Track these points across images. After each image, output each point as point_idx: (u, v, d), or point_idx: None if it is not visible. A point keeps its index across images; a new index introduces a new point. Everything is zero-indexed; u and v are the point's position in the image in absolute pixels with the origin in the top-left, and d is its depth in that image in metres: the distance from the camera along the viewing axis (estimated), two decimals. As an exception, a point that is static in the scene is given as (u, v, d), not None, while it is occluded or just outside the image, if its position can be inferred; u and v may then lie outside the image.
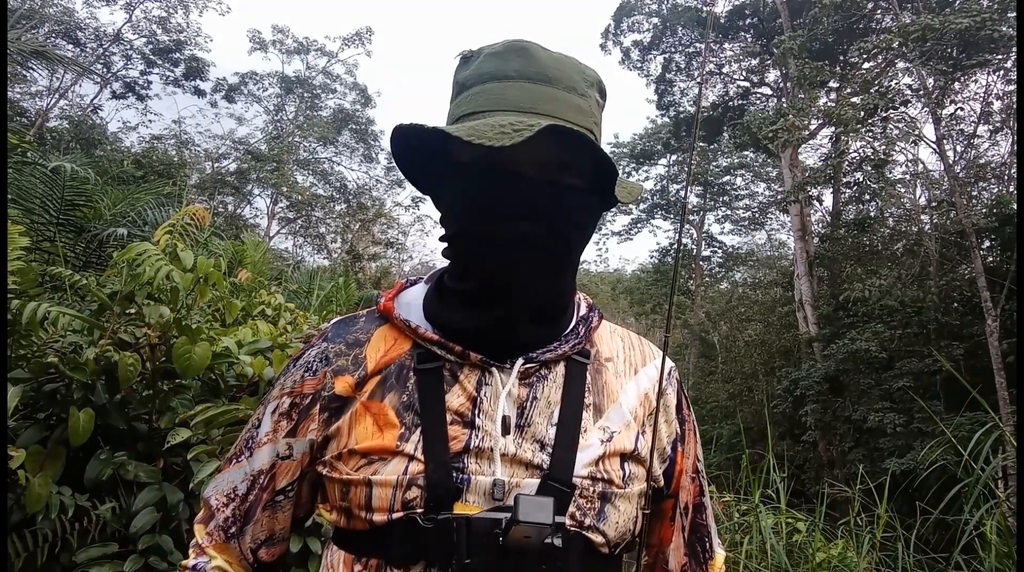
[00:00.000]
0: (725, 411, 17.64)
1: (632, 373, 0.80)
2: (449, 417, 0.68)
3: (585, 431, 0.71)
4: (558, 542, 0.61)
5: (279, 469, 0.74)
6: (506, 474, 0.66)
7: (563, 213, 0.68)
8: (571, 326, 0.77)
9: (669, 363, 0.81)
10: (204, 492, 0.79)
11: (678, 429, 0.82)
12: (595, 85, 0.72)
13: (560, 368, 0.74)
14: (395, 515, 0.65)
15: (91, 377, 1.69)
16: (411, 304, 0.78)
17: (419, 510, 0.64)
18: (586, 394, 0.74)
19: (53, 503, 1.55)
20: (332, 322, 0.81)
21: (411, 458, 0.66)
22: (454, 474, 0.65)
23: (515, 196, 0.66)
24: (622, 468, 0.72)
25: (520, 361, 0.70)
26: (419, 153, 0.73)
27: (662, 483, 0.80)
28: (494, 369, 0.70)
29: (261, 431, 0.76)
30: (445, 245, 0.75)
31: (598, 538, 0.68)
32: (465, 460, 0.66)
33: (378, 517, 0.66)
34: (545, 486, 0.66)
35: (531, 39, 0.71)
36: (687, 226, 26.12)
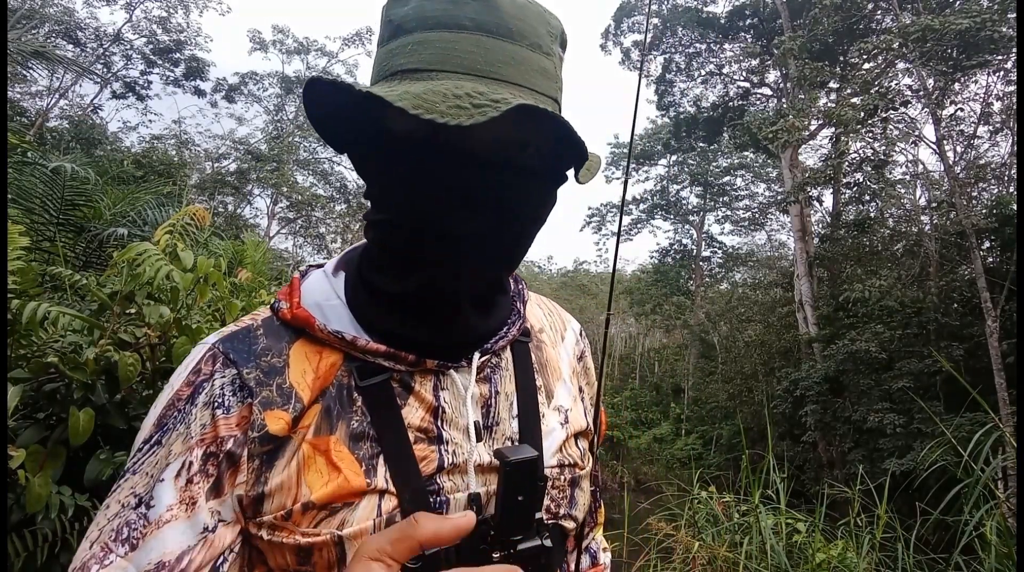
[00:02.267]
0: (725, 411, 17.66)
1: (560, 340, 0.76)
2: (412, 436, 0.58)
3: (543, 416, 0.66)
4: (548, 542, 0.58)
5: (213, 544, 0.54)
6: (480, 484, 0.59)
7: (517, 202, 0.56)
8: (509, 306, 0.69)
9: (578, 325, 0.81)
10: None
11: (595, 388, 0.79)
12: (558, 38, 0.60)
13: (507, 353, 0.67)
14: None
15: (91, 377, 1.69)
16: (325, 306, 0.62)
17: None
18: (535, 376, 0.68)
19: (53, 503, 1.55)
20: (215, 340, 0.60)
21: (382, 493, 0.56)
22: (431, 499, 0.57)
23: (460, 182, 0.53)
24: (578, 446, 0.69)
25: (477, 356, 0.62)
26: (344, 114, 0.59)
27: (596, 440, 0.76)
28: (451, 370, 0.61)
29: (157, 508, 0.53)
30: (368, 227, 0.62)
31: (570, 524, 0.66)
32: (440, 480, 0.58)
33: None
34: None
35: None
36: (687, 226, 26.13)
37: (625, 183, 0.77)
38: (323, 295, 0.63)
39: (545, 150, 0.57)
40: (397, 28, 0.56)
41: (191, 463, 0.54)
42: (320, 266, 0.68)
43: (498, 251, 0.58)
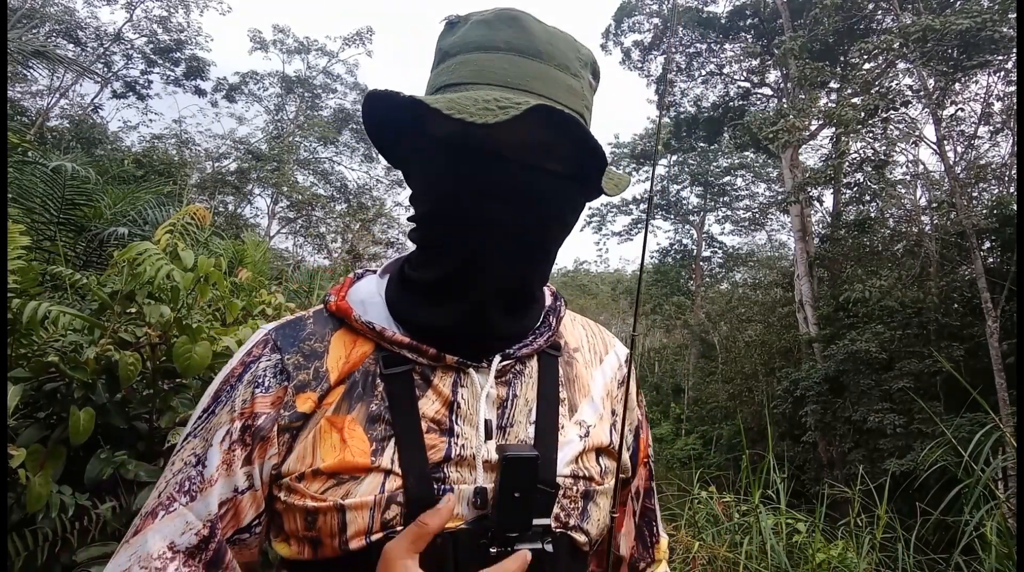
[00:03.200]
0: (725, 411, 17.65)
1: (597, 362, 0.78)
2: (424, 425, 0.62)
3: (562, 428, 0.68)
4: (549, 547, 0.60)
5: (240, 505, 0.62)
6: (487, 480, 0.62)
7: (541, 199, 0.61)
8: (541, 318, 0.73)
9: (625, 350, 0.84)
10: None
11: (639, 417, 0.82)
12: (589, 65, 0.66)
13: (534, 363, 0.70)
14: (374, 537, 0.59)
15: (91, 376, 1.69)
16: (367, 302, 0.70)
17: (399, 529, 0.58)
18: (560, 389, 0.70)
19: (53, 502, 1.55)
20: (271, 327, 0.69)
21: (387, 473, 0.60)
22: (435, 486, 0.60)
23: (490, 177, 0.59)
24: (598, 463, 0.70)
25: (497, 359, 0.66)
26: (393, 124, 0.67)
27: (631, 472, 0.79)
28: (470, 370, 0.65)
29: (209, 468, 0.62)
30: (413, 226, 0.68)
31: (582, 537, 0.67)
32: (446, 470, 0.61)
33: (355, 543, 0.59)
34: None
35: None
36: (688, 226, 26.12)
37: (649, 204, 0.75)
38: (368, 293, 0.71)
39: (568, 157, 0.62)
40: (444, 54, 0.64)
41: (232, 432, 0.62)
42: (375, 271, 0.77)
43: (525, 244, 0.63)
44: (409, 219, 0.68)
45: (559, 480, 0.65)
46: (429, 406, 0.63)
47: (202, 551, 0.60)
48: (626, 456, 0.76)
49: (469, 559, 0.59)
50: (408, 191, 0.69)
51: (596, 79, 0.68)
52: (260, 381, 0.64)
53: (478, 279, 0.62)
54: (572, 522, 0.66)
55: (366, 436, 0.62)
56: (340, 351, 0.66)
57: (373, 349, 0.66)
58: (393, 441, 0.61)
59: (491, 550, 0.59)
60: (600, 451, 0.71)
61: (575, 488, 0.66)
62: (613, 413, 0.75)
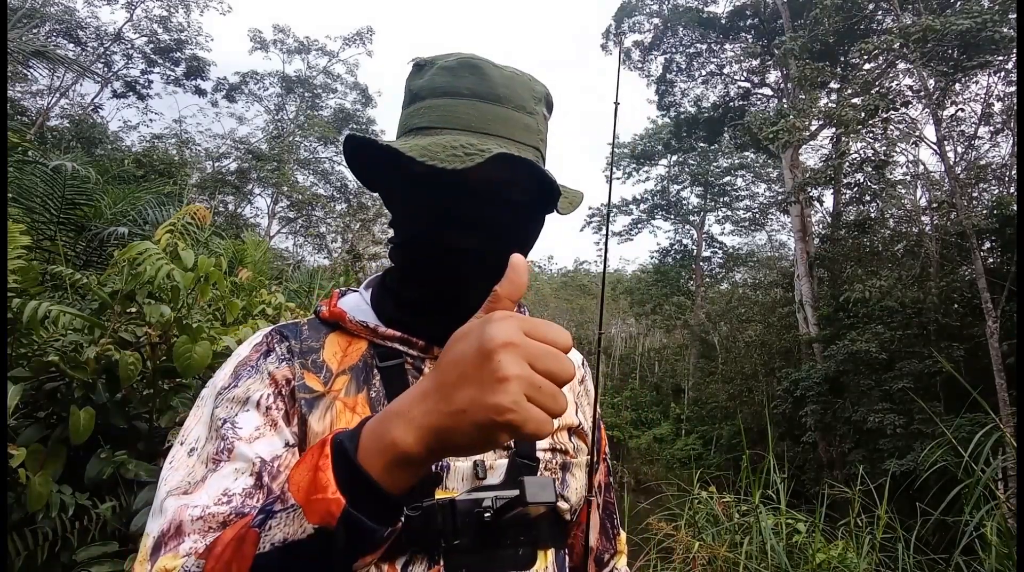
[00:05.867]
0: (725, 411, 17.66)
1: None
2: None
3: None
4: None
5: (293, 455, 0.66)
6: (480, 455, 0.69)
7: (506, 226, 0.71)
8: None
9: (580, 356, 0.93)
10: (150, 526, 0.61)
11: (598, 411, 0.89)
12: (543, 100, 0.76)
13: None
14: None
15: (92, 376, 1.69)
16: (355, 309, 0.78)
17: None
18: None
19: (53, 501, 1.55)
20: (276, 326, 0.77)
21: None
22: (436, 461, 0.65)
23: (461, 208, 0.68)
24: (571, 440, 0.80)
25: None
26: (373, 161, 0.76)
27: (594, 457, 0.86)
28: None
29: (244, 429, 0.65)
30: (392, 248, 0.78)
31: (564, 505, 0.74)
32: None
33: None
34: (513, 462, 0.71)
35: (486, 56, 0.74)
36: (688, 226, 26.12)
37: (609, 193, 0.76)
38: (356, 303, 0.80)
39: (528, 187, 0.71)
40: (414, 96, 0.73)
41: (268, 395, 0.68)
42: (357, 290, 0.85)
43: (493, 265, 0.66)
44: (390, 241, 0.78)
45: (539, 454, 0.74)
46: None
47: (258, 490, 0.61)
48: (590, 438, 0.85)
49: (465, 526, 0.65)
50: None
51: (550, 110, 0.79)
52: (278, 359, 0.71)
53: (455, 298, 0.71)
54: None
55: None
56: (334, 348, 0.74)
57: (367, 346, 0.74)
58: None
59: (485, 516, 0.65)
60: (571, 430, 0.81)
61: (554, 460, 0.75)
62: (577, 405, 0.85)
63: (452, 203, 0.69)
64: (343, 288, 0.85)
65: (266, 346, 0.73)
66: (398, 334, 0.73)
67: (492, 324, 0.46)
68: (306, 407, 0.69)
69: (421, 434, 0.46)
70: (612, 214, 25.77)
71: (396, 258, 0.77)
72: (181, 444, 0.67)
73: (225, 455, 0.63)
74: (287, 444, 0.66)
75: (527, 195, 0.72)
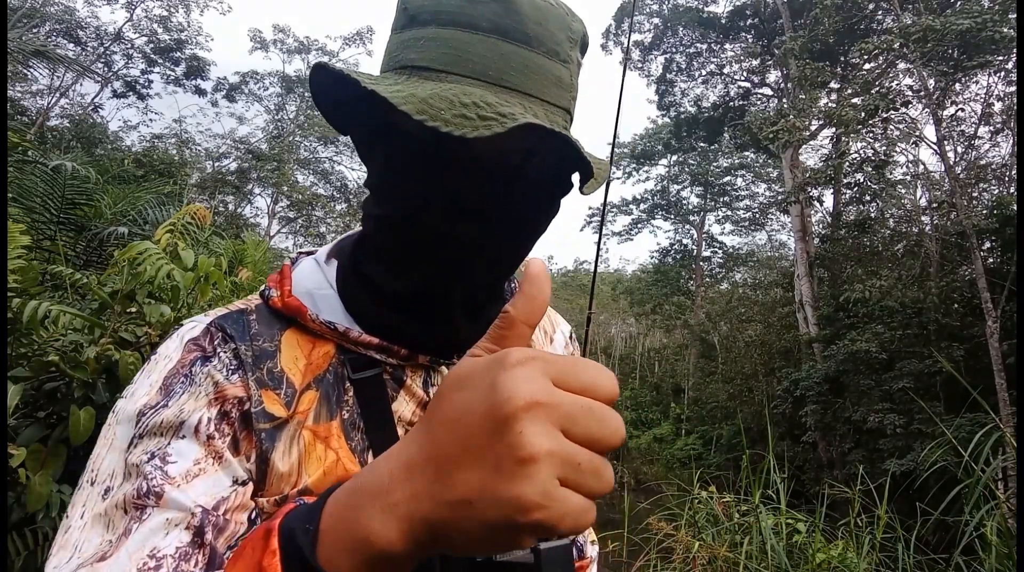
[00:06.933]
0: (725, 411, 17.65)
1: (548, 342, 0.79)
2: (401, 430, 0.58)
3: None
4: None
5: (242, 497, 0.52)
6: None
7: (517, 214, 0.56)
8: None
9: (568, 327, 0.83)
10: None
11: None
12: (578, 42, 0.58)
13: None
14: None
15: (92, 376, 1.69)
16: (317, 294, 0.61)
17: None
18: None
19: (54, 501, 1.55)
20: (213, 318, 0.58)
21: None
22: None
23: (468, 191, 0.53)
24: None
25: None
26: (349, 102, 0.58)
27: None
28: (442, 367, 0.62)
29: (178, 465, 0.49)
30: (368, 218, 0.61)
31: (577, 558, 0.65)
32: None
33: None
34: None
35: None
36: (688, 226, 26.11)
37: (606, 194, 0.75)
38: (315, 283, 0.62)
39: (549, 160, 0.56)
40: (411, 19, 0.55)
41: (209, 419, 0.52)
42: (311, 253, 0.67)
43: (496, 258, 0.58)
44: (363, 207, 0.61)
45: None
46: (405, 408, 0.60)
47: (198, 548, 0.47)
48: None
49: (456, 565, 0.54)
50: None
51: (584, 52, 0.61)
52: (225, 368, 0.55)
53: (447, 291, 0.57)
54: None
55: (348, 446, 0.56)
56: (294, 351, 0.58)
57: (335, 349, 0.59)
58: (371, 453, 0.57)
59: (477, 558, 0.53)
60: None
61: None
62: None
63: (451, 179, 0.53)
64: (295, 255, 0.68)
65: (204, 347, 0.56)
66: (375, 341, 0.58)
67: (508, 373, 0.32)
68: (267, 441, 0.53)
69: (406, 528, 0.33)
70: (612, 214, 25.56)
71: (371, 230, 0.61)
72: (91, 483, 0.50)
73: (152, 500, 0.47)
74: (236, 481, 0.51)
75: (546, 170, 0.56)
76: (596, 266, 0.79)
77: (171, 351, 0.56)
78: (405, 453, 0.35)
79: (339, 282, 0.63)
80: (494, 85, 0.51)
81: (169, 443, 0.50)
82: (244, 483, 0.52)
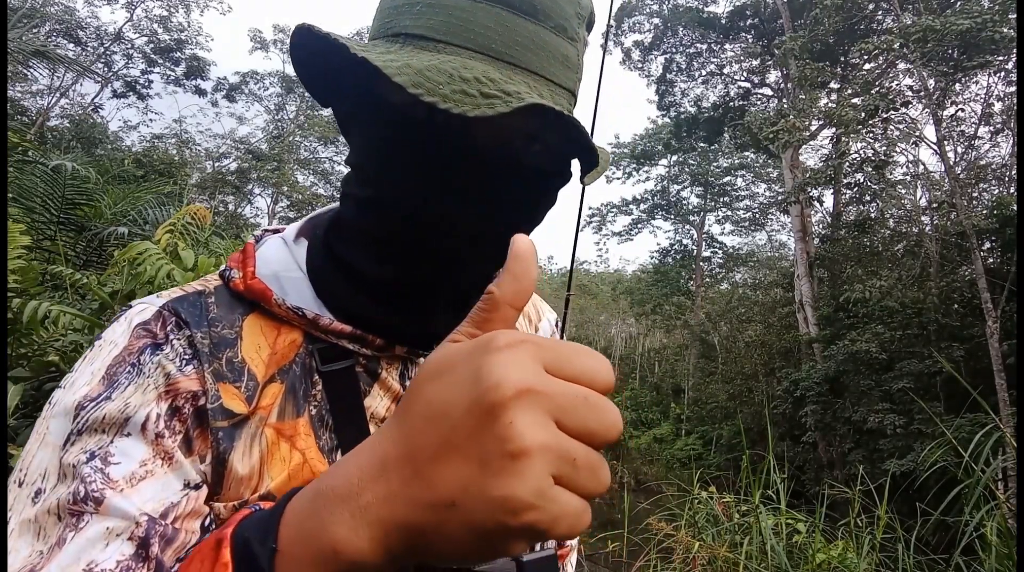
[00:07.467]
0: (725, 412, 17.65)
1: (533, 331, 0.74)
2: (373, 428, 0.53)
3: None
4: None
5: (193, 502, 0.46)
6: None
7: (516, 202, 0.52)
8: None
9: (554, 315, 0.80)
10: None
11: None
12: (586, 19, 0.55)
13: None
14: None
15: (92, 376, 1.69)
16: (283, 277, 0.55)
17: None
18: None
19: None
20: (166, 301, 0.52)
21: None
22: None
23: (463, 176, 0.49)
24: None
25: None
26: (334, 71, 0.53)
27: None
28: (420, 359, 0.57)
29: (122, 467, 0.44)
30: (346, 197, 0.56)
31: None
32: None
33: None
34: None
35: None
36: (688, 226, 26.12)
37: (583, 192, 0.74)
38: (281, 265, 0.56)
39: (553, 148, 0.52)
40: None
41: (158, 415, 0.46)
42: (278, 231, 0.61)
43: (488, 248, 0.53)
44: (345, 190, 0.56)
45: None
46: (378, 404, 0.55)
47: (143, 563, 0.41)
48: None
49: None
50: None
51: (590, 30, 0.57)
52: (174, 358, 0.49)
53: (433, 281, 0.53)
54: None
55: (316, 445, 0.52)
56: (257, 339, 0.52)
57: (303, 338, 0.54)
58: (339, 453, 0.52)
59: (453, 567, 0.51)
60: None
61: None
62: None
63: (445, 161, 0.48)
64: (259, 232, 0.61)
65: (155, 334, 0.50)
66: (348, 330, 0.53)
67: (495, 357, 0.29)
68: (224, 440, 0.48)
69: (379, 534, 0.30)
70: (612, 214, 25.52)
71: (351, 211, 0.55)
72: (19, 484, 0.44)
73: (90, 506, 0.42)
74: (188, 485, 0.46)
75: (548, 157, 0.52)
76: (575, 246, 0.75)
77: (117, 336, 0.49)
78: (377, 450, 0.31)
79: (309, 264, 0.57)
80: (497, 60, 0.47)
81: (112, 441, 0.44)
82: (197, 487, 0.47)
